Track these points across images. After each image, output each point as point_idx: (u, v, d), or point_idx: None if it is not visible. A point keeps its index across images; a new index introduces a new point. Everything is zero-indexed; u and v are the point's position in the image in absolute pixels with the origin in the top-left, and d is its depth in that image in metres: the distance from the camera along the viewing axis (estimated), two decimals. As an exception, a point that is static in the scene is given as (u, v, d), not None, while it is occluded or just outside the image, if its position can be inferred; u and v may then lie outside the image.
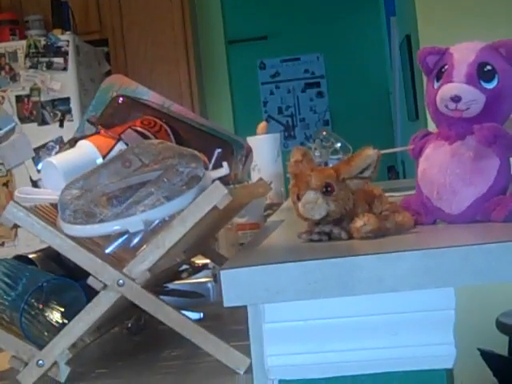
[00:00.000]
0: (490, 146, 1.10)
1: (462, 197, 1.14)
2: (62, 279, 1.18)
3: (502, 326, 3.57)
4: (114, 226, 1.04)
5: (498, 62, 1.12)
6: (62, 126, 4.33)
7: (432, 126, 3.90)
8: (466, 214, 1.14)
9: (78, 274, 1.12)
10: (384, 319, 0.92)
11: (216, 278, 1.58)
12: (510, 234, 1.04)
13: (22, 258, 1.26)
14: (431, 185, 1.18)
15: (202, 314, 1.40)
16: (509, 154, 1.13)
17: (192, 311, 1.32)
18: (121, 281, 1.04)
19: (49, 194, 1.18)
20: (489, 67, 1.12)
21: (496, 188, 1.12)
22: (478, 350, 3.54)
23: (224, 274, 0.90)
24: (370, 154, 1.07)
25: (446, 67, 1.15)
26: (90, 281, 1.05)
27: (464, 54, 1.15)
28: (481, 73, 1.12)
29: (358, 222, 1.05)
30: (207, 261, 1.58)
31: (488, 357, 3.55)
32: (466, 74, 1.12)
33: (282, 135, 7.41)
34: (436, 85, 1.16)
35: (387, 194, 1.16)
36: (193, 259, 1.52)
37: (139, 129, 1.28)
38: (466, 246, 0.90)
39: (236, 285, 0.90)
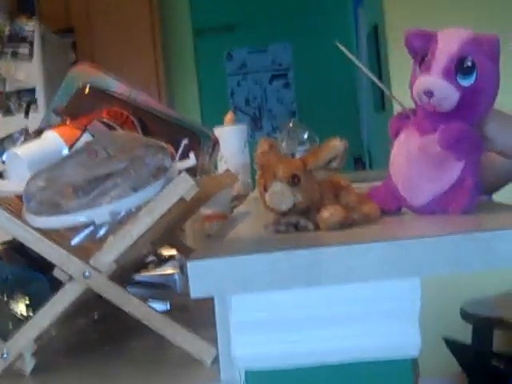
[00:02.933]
0: (449, 149, 1.10)
1: (423, 192, 1.15)
2: (27, 271, 1.17)
3: (465, 315, 3.62)
4: (80, 217, 1.04)
5: (479, 58, 1.12)
6: (27, 116, 4.29)
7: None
8: (425, 208, 1.15)
9: (43, 266, 1.11)
10: (350, 309, 0.92)
11: (183, 269, 1.58)
12: (475, 224, 1.05)
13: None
14: (398, 173, 1.19)
15: (168, 305, 1.40)
16: (475, 157, 1.13)
17: (159, 302, 1.32)
18: (87, 272, 1.04)
19: (13, 185, 1.17)
20: (469, 63, 1.11)
21: (458, 187, 1.12)
22: (444, 339, 3.58)
23: (191, 265, 0.90)
24: (337, 144, 1.07)
25: (428, 56, 1.14)
26: (56, 272, 1.05)
27: (447, 43, 1.14)
28: (460, 68, 1.11)
29: (325, 213, 1.06)
30: (174, 252, 1.58)
31: (453, 346, 3.60)
32: (444, 68, 1.11)
33: (249, 126, 7.40)
34: (417, 72, 1.16)
35: (354, 185, 1.17)
36: (159, 250, 1.52)
37: (105, 120, 1.28)
38: (431, 236, 0.90)
39: (202, 276, 0.90)
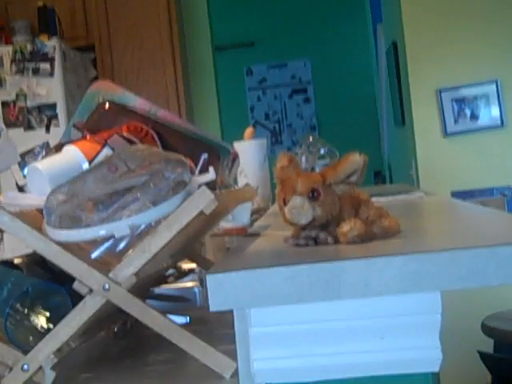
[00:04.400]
0: None
1: None
2: (48, 284, 1.17)
3: (487, 329, 3.59)
4: (100, 231, 1.04)
5: None
6: (48, 131, 4.32)
7: (419, 131, 3.90)
8: None
9: (63, 279, 1.12)
10: (370, 323, 0.92)
11: (202, 283, 1.58)
12: (496, 238, 1.05)
13: (7, 263, 1.25)
14: None
15: (188, 318, 1.40)
16: None
17: (178, 315, 1.32)
18: (106, 285, 1.04)
19: (34, 199, 1.18)
20: None
21: None
22: (478, 352, 3.55)
23: (210, 279, 0.90)
24: (357, 159, 1.07)
25: None
26: (76, 285, 1.05)
27: None
28: None
29: (345, 227, 1.05)
30: (194, 265, 1.58)
31: (486, 358, 3.56)
32: None
33: (269, 141, 7.41)
34: None
35: (374, 199, 1.16)
36: (179, 264, 1.52)
37: (125, 134, 1.28)
38: (451, 250, 0.90)
39: (222, 289, 0.90)
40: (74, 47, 4.69)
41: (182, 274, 1.53)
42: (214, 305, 0.90)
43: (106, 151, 1.24)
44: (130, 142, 1.27)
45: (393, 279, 0.89)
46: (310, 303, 0.90)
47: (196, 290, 1.60)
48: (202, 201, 1.03)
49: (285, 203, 1.08)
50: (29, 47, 4.34)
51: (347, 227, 1.05)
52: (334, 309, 0.91)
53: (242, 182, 2.24)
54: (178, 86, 4.96)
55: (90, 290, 1.05)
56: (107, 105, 1.38)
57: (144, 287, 1.38)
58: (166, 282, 1.48)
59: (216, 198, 1.03)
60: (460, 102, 4.37)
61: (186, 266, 1.56)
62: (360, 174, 1.07)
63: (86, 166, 1.22)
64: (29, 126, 4.34)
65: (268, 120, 7.77)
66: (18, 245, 1.14)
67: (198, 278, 1.61)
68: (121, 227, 1.03)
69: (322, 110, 7.59)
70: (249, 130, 2.43)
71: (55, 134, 4.21)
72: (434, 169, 4.43)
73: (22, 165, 4.25)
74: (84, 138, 1.32)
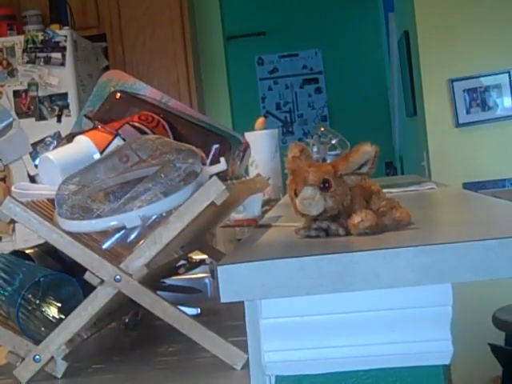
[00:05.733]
0: None
1: None
2: (59, 274, 1.17)
3: (498, 322, 3.58)
4: (111, 222, 1.04)
5: None
6: (59, 121, 4.33)
7: (431, 122, 3.89)
8: None
9: (75, 270, 1.12)
10: (381, 315, 0.92)
11: (213, 274, 1.58)
12: (508, 230, 1.04)
13: (18, 254, 1.26)
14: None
15: (199, 310, 1.40)
16: None
17: (189, 306, 1.32)
18: (118, 276, 1.04)
19: (46, 189, 1.18)
20: None
21: None
22: (489, 344, 3.54)
23: (221, 270, 0.90)
24: (368, 149, 1.06)
25: None
26: (87, 276, 1.05)
27: None
28: None
29: (356, 218, 1.05)
30: (204, 256, 1.58)
31: (498, 351, 3.55)
32: None
33: (280, 131, 7.41)
34: None
35: (385, 190, 1.16)
36: (190, 254, 1.52)
37: (137, 124, 1.28)
38: (463, 242, 0.90)
39: (233, 280, 0.90)
40: (85, 36, 4.69)
41: (193, 265, 1.53)
42: (225, 296, 0.90)
43: (118, 141, 1.24)
44: (142, 131, 1.27)
45: (404, 271, 0.89)
46: (321, 295, 0.90)
47: (207, 281, 1.60)
48: (214, 191, 1.03)
49: (296, 194, 1.08)
50: (40, 37, 4.35)
51: (358, 218, 1.05)
52: (344, 301, 0.91)
53: (253, 172, 2.24)
54: (190, 75, 4.95)
55: (102, 281, 1.05)
56: (118, 94, 1.38)
57: (155, 278, 1.38)
58: (177, 274, 1.48)
59: (227, 189, 1.03)
60: (472, 92, 4.35)
61: (197, 256, 1.56)
62: (371, 164, 1.07)
63: (97, 156, 1.22)
64: (40, 116, 4.35)
65: (279, 110, 7.76)
66: (31, 235, 1.14)
67: (208, 269, 1.61)
68: (132, 218, 1.03)
69: (334, 100, 7.57)
70: (260, 121, 2.43)
71: (67, 124, 4.21)
72: (445, 160, 4.42)
73: (34, 155, 4.26)
74: (95, 127, 1.32)
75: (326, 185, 1.06)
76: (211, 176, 1.06)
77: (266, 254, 1.01)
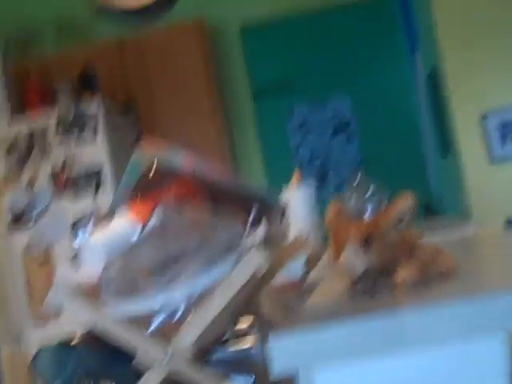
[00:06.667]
0: None
1: None
2: (111, 358, 1.17)
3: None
4: (157, 303, 1.04)
5: None
6: (96, 197, 4.37)
7: (465, 160, 3.82)
8: None
9: (126, 352, 1.12)
10: (438, 373, 0.90)
11: (262, 340, 1.56)
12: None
13: (65, 344, 1.26)
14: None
15: (253, 378, 1.38)
16: None
17: (242, 376, 1.31)
18: (167, 358, 1.04)
19: (89, 272, 1.19)
20: None
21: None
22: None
23: (272, 344, 0.88)
24: (406, 202, 1.06)
25: None
26: (138, 359, 1.05)
27: None
28: None
29: (401, 274, 1.04)
30: (251, 321, 1.56)
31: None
32: None
33: (315, 182, 7.39)
34: None
35: (426, 235, 1.15)
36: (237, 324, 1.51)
37: (174, 197, 1.29)
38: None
39: (285, 350, 0.89)
40: (114, 104, 4.74)
41: (240, 336, 1.52)
42: (276, 369, 0.89)
43: (156, 217, 1.25)
44: (180, 203, 1.27)
45: (453, 323, 0.87)
46: (374, 360, 0.89)
47: (256, 347, 1.58)
48: (255, 262, 1.02)
49: (338, 254, 1.07)
50: (71, 116, 4.41)
51: (403, 273, 1.04)
52: (396, 365, 0.89)
53: (292, 229, 2.23)
54: (221, 135, 4.99)
55: (152, 364, 1.05)
56: (152, 171, 1.39)
57: (205, 351, 1.37)
58: (226, 343, 1.47)
59: (268, 258, 1.03)
60: (506, 125, 4.32)
61: (243, 325, 1.54)
62: (409, 217, 1.06)
63: (137, 234, 1.23)
64: (77, 194, 4.40)
65: (312, 162, 7.76)
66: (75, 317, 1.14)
67: (256, 336, 1.59)
68: (177, 297, 1.03)
69: (366, 147, 7.56)
70: (295, 176, 2.43)
71: (103, 199, 4.25)
72: (485, 197, 4.36)
73: (74, 234, 4.28)
74: (133, 205, 1.33)
75: (368, 242, 1.05)
76: (252, 244, 1.06)
77: (313, 322, 1.00)
